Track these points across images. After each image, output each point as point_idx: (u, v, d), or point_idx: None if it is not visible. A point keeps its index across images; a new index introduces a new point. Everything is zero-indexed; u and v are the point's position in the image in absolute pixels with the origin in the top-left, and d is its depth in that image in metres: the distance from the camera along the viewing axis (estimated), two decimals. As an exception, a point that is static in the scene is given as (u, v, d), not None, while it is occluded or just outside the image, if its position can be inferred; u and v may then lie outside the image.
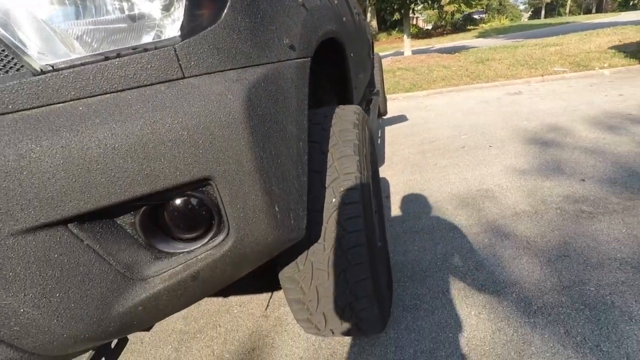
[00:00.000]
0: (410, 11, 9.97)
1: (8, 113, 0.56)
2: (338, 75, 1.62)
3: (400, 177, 2.85)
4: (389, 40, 23.26)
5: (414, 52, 11.04)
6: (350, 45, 1.75)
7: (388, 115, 4.78)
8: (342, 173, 1.03)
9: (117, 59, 0.60)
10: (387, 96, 5.27)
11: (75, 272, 0.59)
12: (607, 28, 10.60)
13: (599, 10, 53.20)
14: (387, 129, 4.35)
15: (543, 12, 58.91)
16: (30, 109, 0.57)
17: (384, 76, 6.10)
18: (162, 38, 0.63)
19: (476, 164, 2.88)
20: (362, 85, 2.69)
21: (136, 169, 0.58)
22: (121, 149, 0.57)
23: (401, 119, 4.64)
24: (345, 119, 1.17)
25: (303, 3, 0.98)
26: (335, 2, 1.52)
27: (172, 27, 0.63)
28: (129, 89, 0.61)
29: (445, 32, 25.94)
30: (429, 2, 9.57)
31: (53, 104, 0.58)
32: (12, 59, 0.57)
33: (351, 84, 1.69)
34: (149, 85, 0.62)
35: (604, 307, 1.37)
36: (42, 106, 0.57)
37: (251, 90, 0.67)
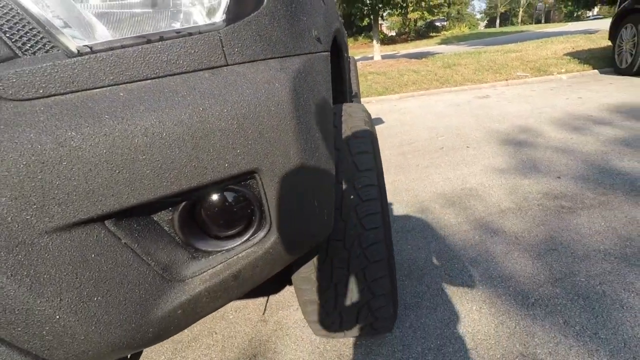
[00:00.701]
0: (380, 17, 10.20)
1: (39, 98, 0.50)
2: (334, 74, 1.61)
3: (385, 178, 2.86)
4: (355, 45, 23.63)
5: (382, 58, 11.26)
6: (343, 42, 1.76)
7: (363, 118, 4.83)
8: (359, 169, 1.02)
9: (160, 43, 0.55)
10: (362, 99, 5.33)
11: (114, 273, 0.54)
12: (559, 37, 11.23)
13: (548, 20, 56.66)
14: (364, 131, 4.38)
15: (498, 21, 61.94)
16: (65, 93, 0.52)
17: (357, 79, 6.17)
18: (206, 22, 0.59)
19: (456, 163, 2.96)
20: (346, 82, 2.70)
21: (184, 160, 0.54)
22: (169, 138, 0.53)
23: (377, 121, 4.70)
24: (355, 116, 1.16)
25: (322, -3, 0.97)
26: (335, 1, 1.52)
27: (216, 12, 0.59)
28: (171, 74, 0.57)
29: (409, 38, 26.68)
30: (397, 8, 9.81)
31: (90, 88, 0.53)
32: (42, 38, 0.51)
33: (346, 83, 1.69)
34: (191, 71, 0.58)
35: (597, 297, 1.43)
36: (78, 91, 0.52)
37: (295, 80, 0.64)
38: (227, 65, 0.60)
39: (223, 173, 0.57)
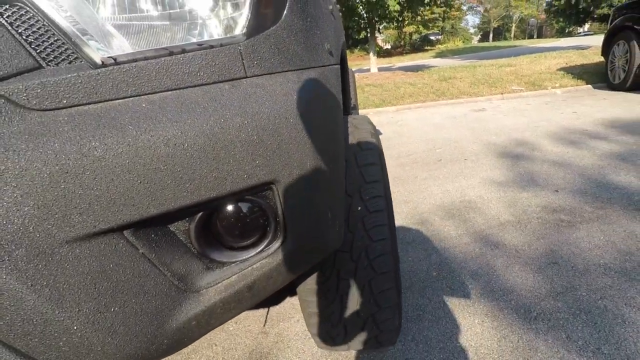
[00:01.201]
0: (377, 30, 10.35)
1: (63, 108, 0.51)
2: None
3: (383, 189, 2.88)
4: (351, 57, 23.89)
5: (378, 70, 11.40)
6: (346, 57, 1.78)
7: (361, 129, 4.85)
8: (366, 181, 1.03)
9: (182, 55, 0.56)
10: (359, 111, 5.37)
11: (131, 283, 0.54)
12: (552, 52, 11.43)
13: (540, 35, 57.74)
14: (362, 142, 4.40)
15: (491, 35, 63.03)
16: (88, 104, 0.52)
17: (354, 91, 6.23)
18: (227, 35, 0.60)
19: (455, 176, 2.98)
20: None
21: (205, 170, 0.54)
22: (191, 148, 0.53)
23: (375, 132, 4.72)
24: (361, 127, 1.17)
25: (332, 11, 0.98)
26: (340, 14, 1.54)
27: (237, 25, 0.60)
28: (192, 86, 0.57)
29: (404, 51, 27.04)
30: (393, 22, 9.96)
31: (113, 99, 0.53)
32: (67, 49, 0.52)
33: (349, 95, 1.70)
34: (212, 83, 0.58)
35: (598, 311, 1.44)
36: (101, 101, 0.52)
37: (312, 93, 0.65)
38: (247, 77, 0.61)
39: (242, 184, 0.58)
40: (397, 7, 8.52)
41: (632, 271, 1.62)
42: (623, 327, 1.35)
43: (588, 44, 15.04)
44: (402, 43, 28.68)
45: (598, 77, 6.63)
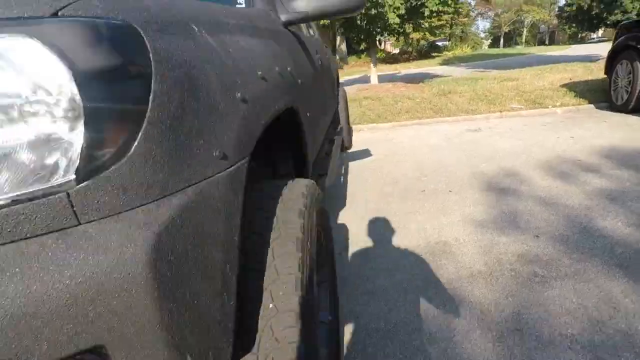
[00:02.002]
0: (377, 42, 10.21)
1: None
2: (293, 136, 1.54)
3: (360, 224, 2.80)
4: (358, 63, 23.75)
5: (381, 78, 11.31)
6: (307, 104, 1.69)
7: (353, 149, 4.77)
8: (281, 274, 0.95)
9: (-10, 213, 0.49)
10: (353, 127, 5.26)
11: None
12: (558, 65, 11.19)
13: (552, 41, 57.07)
14: (351, 164, 4.33)
15: (502, 40, 62.52)
16: None
17: (350, 105, 6.14)
18: (53, 184, 0.52)
19: (435, 211, 2.88)
20: (323, 131, 2.62)
21: (8, 344, 0.47)
22: None
23: (365, 153, 4.63)
24: (290, 205, 1.09)
25: (243, 97, 0.90)
26: (292, 65, 1.45)
27: (65, 171, 0.53)
28: (3, 244, 0.50)
29: (411, 57, 26.88)
30: (394, 33, 9.83)
31: None
32: None
33: (307, 149, 1.61)
34: (33, 237, 0.51)
35: (555, 394, 1.34)
36: None
37: (161, 234, 0.57)
38: (79, 224, 0.54)
39: (57, 355, 0.50)
40: (397, 20, 8.41)
41: (600, 347, 1.50)
42: (578, 418, 1.25)
43: (599, 53, 14.75)
44: (409, 49, 28.53)
45: (602, 94, 6.43)
